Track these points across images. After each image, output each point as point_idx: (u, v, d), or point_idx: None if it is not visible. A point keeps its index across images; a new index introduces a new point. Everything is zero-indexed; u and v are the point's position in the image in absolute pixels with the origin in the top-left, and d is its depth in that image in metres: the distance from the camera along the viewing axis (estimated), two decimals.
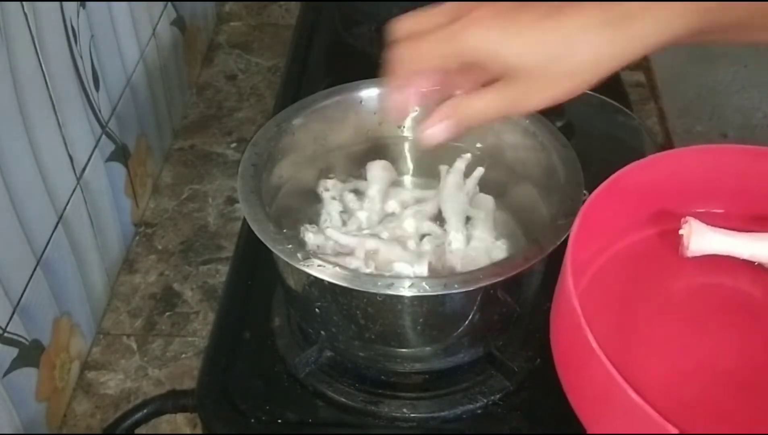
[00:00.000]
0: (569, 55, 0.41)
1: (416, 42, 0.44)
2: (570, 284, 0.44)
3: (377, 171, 0.64)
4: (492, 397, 0.58)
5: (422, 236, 0.61)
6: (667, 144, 0.94)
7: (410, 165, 0.67)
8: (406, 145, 0.67)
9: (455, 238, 0.59)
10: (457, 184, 0.62)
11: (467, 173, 0.64)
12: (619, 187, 0.51)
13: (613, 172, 0.51)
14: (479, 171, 0.64)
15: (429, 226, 0.61)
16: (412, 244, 0.60)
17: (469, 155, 0.64)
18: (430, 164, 0.66)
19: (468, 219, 0.62)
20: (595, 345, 0.41)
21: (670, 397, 0.46)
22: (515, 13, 0.41)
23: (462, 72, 0.44)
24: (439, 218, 0.62)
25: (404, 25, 0.45)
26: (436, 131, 0.45)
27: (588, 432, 0.45)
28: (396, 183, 0.66)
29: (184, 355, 0.72)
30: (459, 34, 0.42)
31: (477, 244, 0.60)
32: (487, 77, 0.43)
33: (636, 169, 0.52)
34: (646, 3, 0.40)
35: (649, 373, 0.48)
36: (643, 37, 0.40)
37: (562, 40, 0.40)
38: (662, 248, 0.55)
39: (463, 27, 0.42)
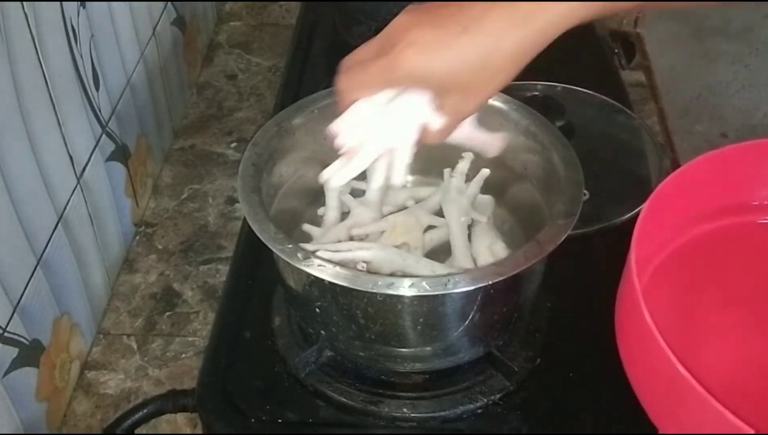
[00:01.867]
0: (489, 63, 0.46)
1: (359, 72, 0.50)
2: (634, 277, 0.45)
3: (375, 170, 0.64)
4: (492, 397, 0.58)
5: (427, 228, 0.61)
6: (668, 144, 0.94)
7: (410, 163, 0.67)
8: None
9: (457, 246, 0.59)
10: (459, 188, 0.62)
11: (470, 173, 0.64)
12: (685, 180, 0.51)
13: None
14: (483, 173, 0.63)
15: (433, 219, 0.61)
16: (413, 242, 0.60)
17: (471, 155, 0.64)
18: (430, 162, 0.65)
19: (470, 222, 0.61)
20: (657, 335, 0.42)
21: (728, 388, 0.46)
22: (436, 32, 0.46)
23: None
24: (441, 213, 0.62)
25: (349, 58, 0.51)
26: None
27: (655, 425, 0.46)
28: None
29: (184, 355, 0.72)
30: (394, 63, 0.47)
31: (478, 245, 0.60)
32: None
33: (702, 163, 0.52)
34: (541, 3, 0.45)
35: (709, 363, 0.48)
36: (548, 28, 0.45)
37: (481, 53, 0.46)
38: (728, 240, 0.56)
39: (396, 57, 0.47)
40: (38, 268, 0.63)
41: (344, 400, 0.58)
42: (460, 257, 0.59)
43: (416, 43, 0.46)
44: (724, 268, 0.55)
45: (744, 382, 0.48)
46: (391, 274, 0.56)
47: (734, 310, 0.52)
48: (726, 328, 0.51)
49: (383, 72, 0.48)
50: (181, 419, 0.67)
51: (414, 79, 0.48)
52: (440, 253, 0.60)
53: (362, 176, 0.64)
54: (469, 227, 0.61)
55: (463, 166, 0.64)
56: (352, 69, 0.50)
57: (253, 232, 0.53)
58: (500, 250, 0.60)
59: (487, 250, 0.60)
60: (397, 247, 0.59)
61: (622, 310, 0.49)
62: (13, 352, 0.60)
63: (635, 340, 0.47)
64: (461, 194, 0.62)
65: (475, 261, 0.59)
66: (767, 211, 0.55)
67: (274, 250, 0.52)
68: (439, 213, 0.62)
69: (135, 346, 0.73)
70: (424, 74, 0.47)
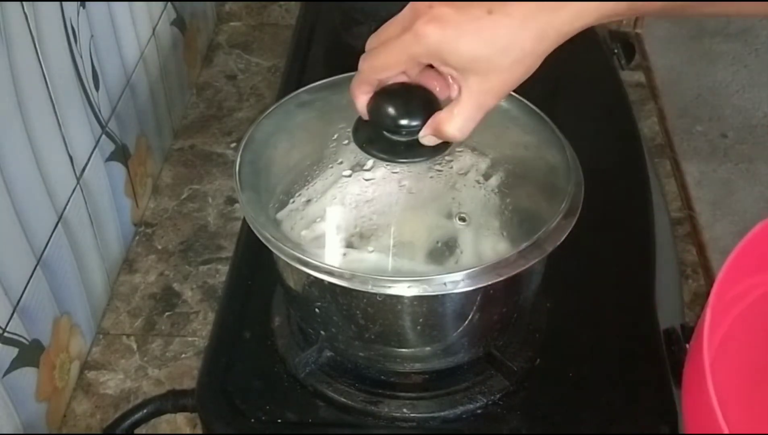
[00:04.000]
0: (512, 48, 0.45)
1: (382, 49, 0.48)
2: (704, 347, 0.44)
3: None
4: (492, 397, 0.58)
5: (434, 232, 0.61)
6: (667, 144, 0.94)
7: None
8: None
9: (464, 245, 0.59)
10: (471, 191, 0.62)
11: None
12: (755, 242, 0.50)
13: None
14: (497, 176, 0.63)
15: (440, 220, 0.61)
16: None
17: (488, 159, 0.64)
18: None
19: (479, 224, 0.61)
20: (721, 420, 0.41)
21: None
22: (460, 12, 0.45)
23: (424, 75, 0.49)
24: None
25: (372, 37, 0.49)
26: (428, 140, 0.52)
27: None
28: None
29: (184, 355, 0.72)
30: (415, 38, 0.46)
31: (483, 246, 0.60)
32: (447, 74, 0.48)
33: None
34: None
35: None
36: (574, 19, 0.45)
37: (504, 36, 0.45)
38: None
39: (421, 29, 0.45)
40: (38, 268, 0.63)
41: (344, 400, 0.58)
42: (467, 259, 0.59)
43: (439, 19, 0.45)
44: None
45: None
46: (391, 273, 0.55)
47: None
48: None
49: (405, 48, 0.46)
50: (180, 419, 0.67)
51: (435, 56, 0.46)
52: (445, 253, 0.60)
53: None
54: (475, 227, 0.61)
55: (476, 173, 0.63)
56: (375, 48, 0.48)
57: (252, 232, 0.53)
58: (504, 250, 0.60)
59: (492, 251, 0.59)
60: (402, 244, 0.59)
61: (688, 375, 0.48)
62: (13, 352, 0.60)
63: (699, 410, 0.46)
64: (472, 198, 0.62)
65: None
66: None
67: (273, 250, 0.52)
68: (447, 213, 0.62)
69: (135, 346, 0.73)
70: (445, 51, 0.46)
